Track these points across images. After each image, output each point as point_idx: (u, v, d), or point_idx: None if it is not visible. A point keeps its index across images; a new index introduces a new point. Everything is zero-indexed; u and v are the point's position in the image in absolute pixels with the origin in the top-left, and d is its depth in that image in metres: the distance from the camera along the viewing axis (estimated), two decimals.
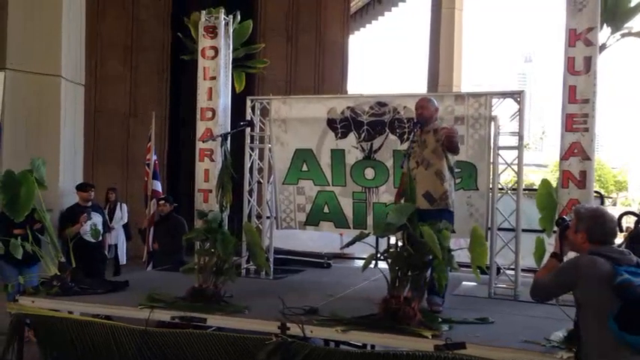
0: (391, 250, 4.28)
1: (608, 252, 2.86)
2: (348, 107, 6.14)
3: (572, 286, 2.92)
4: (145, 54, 13.51)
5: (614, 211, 3.77)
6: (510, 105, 5.67)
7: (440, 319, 4.20)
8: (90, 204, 6.96)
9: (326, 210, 6.32)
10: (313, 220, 6.41)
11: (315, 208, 6.35)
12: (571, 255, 3.12)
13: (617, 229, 3.07)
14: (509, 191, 5.87)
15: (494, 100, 5.63)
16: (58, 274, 5.07)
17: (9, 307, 4.81)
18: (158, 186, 8.74)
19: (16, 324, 4.73)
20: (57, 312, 4.77)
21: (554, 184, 5.50)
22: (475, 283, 5.81)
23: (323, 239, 7.47)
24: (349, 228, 6.22)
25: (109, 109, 13.24)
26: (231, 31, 6.45)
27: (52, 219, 5.77)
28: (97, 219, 6.92)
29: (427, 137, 4.90)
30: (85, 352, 4.53)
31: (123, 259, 9.71)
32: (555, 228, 3.38)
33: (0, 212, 5.59)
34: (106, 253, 8.17)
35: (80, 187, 6.96)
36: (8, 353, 4.67)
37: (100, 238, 7.04)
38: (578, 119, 5.07)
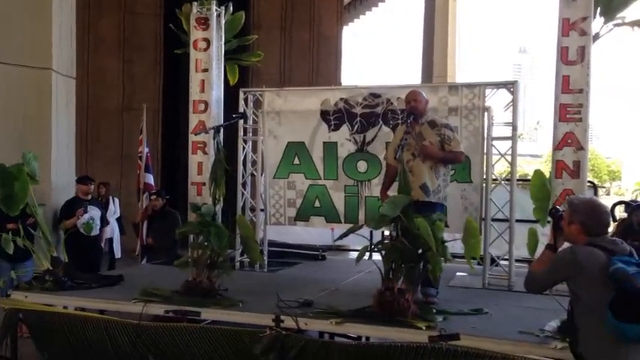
0: (385, 242, 4.27)
1: (603, 242, 2.86)
2: (341, 99, 6.11)
3: (568, 276, 2.92)
4: (139, 48, 13.41)
5: (607, 201, 3.78)
6: (504, 95, 5.66)
7: (434, 311, 4.20)
8: (90, 197, 6.95)
9: (317, 204, 6.25)
10: (304, 214, 6.33)
11: (306, 203, 6.28)
12: (566, 246, 3.11)
13: (611, 219, 3.07)
14: (502, 182, 5.87)
15: (488, 91, 5.63)
16: (51, 268, 5.04)
17: (1, 303, 4.78)
18: (150, 179, 8.71)
19: (10, 319, 4.70)
20: (50, 307, 4.76)
21: (547, 174, 5.50)
22: (469, 274, 5.81)
23: (317, 232, 7.45)
24: (340, 222, 6.14)
25: (102, 103, 13.15)
26: (223, 22, 6.42)
27: (44, 213, 5.74)
28: (94, 213, 6.90)
29: (423, 129, 4.89)
30: (79, 347, 4.51)
31: (118, 253, 9.71)
32: (549, 218, 3.38)
33: None
34: (102, 246, 8.15)
35: (80, 180, 6.98)
36: (2, 349, 4.65)
37: (97, 232, 7.02)
38: (571, 109, 5.06)
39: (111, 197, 9.67)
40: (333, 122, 6.13)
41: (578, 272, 2.85)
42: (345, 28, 15.99)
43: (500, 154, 5.67)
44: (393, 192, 4.88)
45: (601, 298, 2.72)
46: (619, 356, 2.75)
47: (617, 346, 2.72)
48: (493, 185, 5.71)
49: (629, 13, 5.37)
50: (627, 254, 2.82)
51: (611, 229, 4.47)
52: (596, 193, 8.09)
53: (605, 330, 2.71)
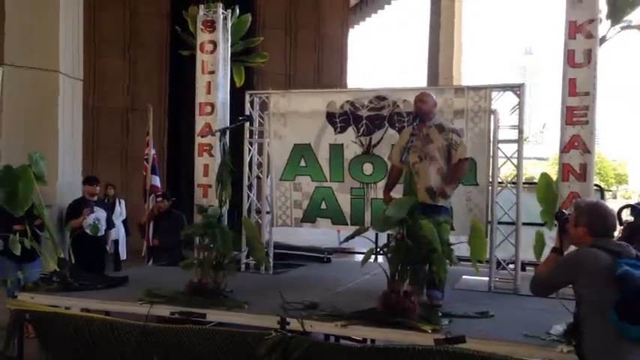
0: (391, 244, 4.27)
1: (609, 245, 2.86)
2: (347, 101, 6.12)
3: (573, 279, 2.92)
4: (144, 48, 13.45)
5: (614, 204, 3.76)
6: (510, 98, 5.65)
7: (440, 313, 4.20)
8: (96, 198, 6.97)
9: (323, 206, 6.26)
10: (310, 216, 6.34)
11: (312, 205, 6.28)
12: (572, 249, 3.11)
13: (617, 222, 3.07)
14: (508, 185, 5.85)
15: (494, 94, 5.62)
16: (57, 269, 5.06)
17: (8, 303, 4.80)
18: (157, 181, 8.71)
19: (16, 320, 4.72)
20: (56, 308, 4.77)
21: (554, 177, 5.48)
22: (475, 277, 5.79)
23: (323, 234, 7.45)
24: (346, 224, 6.14)
25: (108, 104, 13.21)
26: (230, 25, 6.43)
27: (50, 215, 5.75)
28: (100, 214, 6.93)
29: (430, 132, 4.89)
30: (84, 348, 4.52)
31: (124, 255, 9.74)
32: (555, 222, 3.37)
33: None
34: (108, 248, 8.17)
35: (87, 181, 7.01)
36: (8, 349, 4.67)
37: (102, 233, 7.04)
38: (578, 112, 5.05)
39: (117, 199, 9.71)
40: (339, 124, 6.13)
41: (582, 274, 2.85)
42: (350, 30, 15.97)
43: (506, 157, 5.66)
44: (397, 194, 4.87)
45: (605, 300, 2.72)
46: (620, 357, 2.74)
47: (620, 348, 2.72)
48: (499, 188, 5.70)
49: (637, 16, 5.34)
50: (633, 258, 2.82)
51: (617, 233, 4.46)
52: (602, 197, 8.05)
53: (608, 328, 2.70)
